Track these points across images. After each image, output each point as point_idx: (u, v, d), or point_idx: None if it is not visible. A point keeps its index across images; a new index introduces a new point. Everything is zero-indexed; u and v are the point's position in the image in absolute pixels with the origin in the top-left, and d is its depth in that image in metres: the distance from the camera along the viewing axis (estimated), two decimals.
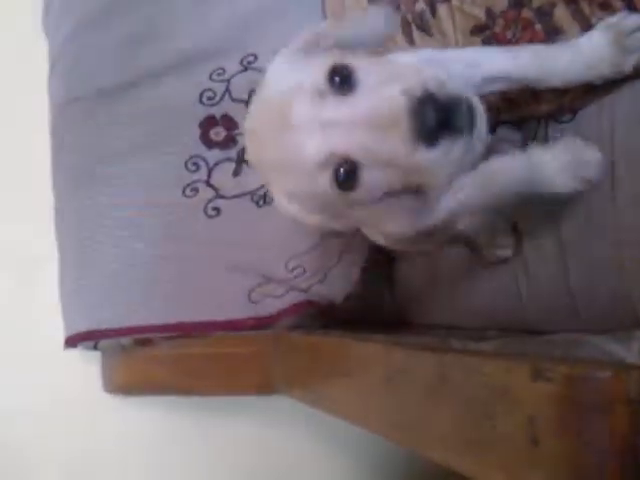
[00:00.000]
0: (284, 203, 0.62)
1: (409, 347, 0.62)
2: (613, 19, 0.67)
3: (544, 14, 0.72)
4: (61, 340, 1.11)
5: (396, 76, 0.53)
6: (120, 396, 1.17)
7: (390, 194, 0.60)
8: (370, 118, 0.52)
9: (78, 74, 1.13)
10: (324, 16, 1.14)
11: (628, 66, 0.67)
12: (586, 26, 0.70)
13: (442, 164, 0.53)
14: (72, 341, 1.09)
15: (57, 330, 1.12)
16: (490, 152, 0.87)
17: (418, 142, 0.51)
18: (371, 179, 0.55)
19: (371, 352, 0.68)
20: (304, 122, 0.54)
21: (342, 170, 0.55)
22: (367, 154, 0.54)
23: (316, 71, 0.55)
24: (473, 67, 0.68)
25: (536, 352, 0.58)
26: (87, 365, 1.19)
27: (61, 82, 1.15)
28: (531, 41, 0.74)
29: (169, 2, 1.14)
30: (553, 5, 0.71)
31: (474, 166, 0.61)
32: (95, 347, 1.09)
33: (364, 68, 0.55)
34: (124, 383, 1.13)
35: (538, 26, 0.73)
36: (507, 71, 0.69)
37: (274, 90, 0.58)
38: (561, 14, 0.71)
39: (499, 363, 0.50)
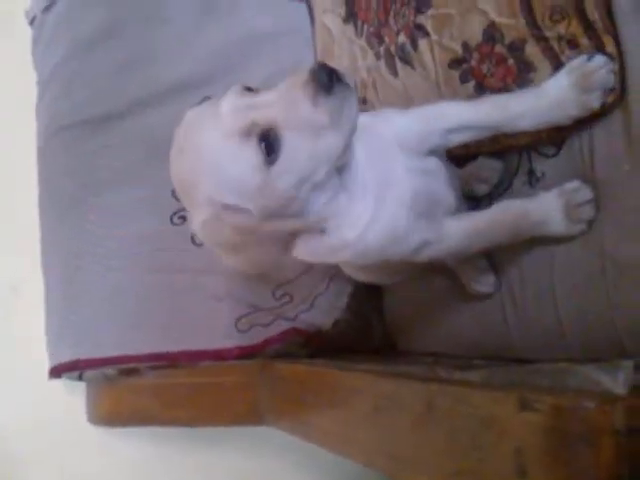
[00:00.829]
0: (207, 215, 0.65)
1: (396, 377, 0.62)
2: (576, 62, 0.70)
3: (515, 50, 0.74)
4: (45, 370, 1.09)
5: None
6: (105, 427, 1.15)
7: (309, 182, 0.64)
8: (281, 96, 0.62)
9: (66, 103, 1.13)
10: (314, 45, 1.16)
11: (595, 104, 0.70)
12: (556, 62, 0.72)
13: (341, 110, 0.62)
14: (56, 371, 1.08)
15: (41, 360, 1.10)
16: (472, 180, 0.88)
17: (318, 95, 0.61)
18: (292, 144, 0.62)
19: (358, 382, 0.68)
20: (225, 110, 0.62)
21: (265, 138, 0.61)
22: (282, 117, 0.61)
23: (229, 92, 0.65)
24: (434, 120, 0.76)
25: (523, 382, 0.58)
26: (71, 396, 1.17)
27: (49, 111, 1.16)
28: (504, 77, 0.76)
29: (156, 32, 1.15)
30: (524, 41, 0.73)
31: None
32: (80, 378, 1.07)
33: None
34: (109, 414, 1.11)
35: (511, 61, 0.75)
36: (470, 121, 0.75)
37: (198, 111, 0.67)
38: (531, 50, 0.73)
39: (486, 393, 0.50)
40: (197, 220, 0.66)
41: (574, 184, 0.74)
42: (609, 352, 0.73)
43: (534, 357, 0.84)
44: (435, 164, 0.77)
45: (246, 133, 0.61)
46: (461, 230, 0.76)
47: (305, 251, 0.71)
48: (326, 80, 0.61)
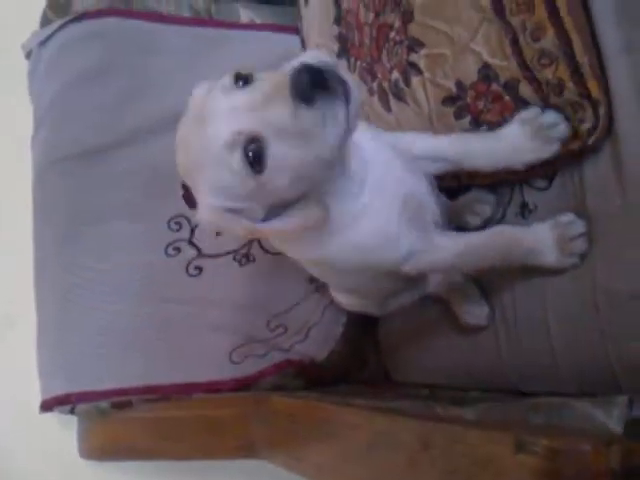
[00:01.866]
0: (211, 210, 0.66)
1: (391, 413, 0.62)
2: (530, 114, 0.74)
3: (510, 88, 0.76)
4: (37, 403, 1.08)
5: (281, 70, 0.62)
6: (97, 462, 1.13)
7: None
8: (265, 98, 0.60)
9: (61, 136, 1.13)
10: None
11: (548, 154, 0.74)
12: (546, 103, 0.74)
13: (324, 122, 0.60)
14: (48, 405, 1.06)
15: (33, 393, 1.09)
16: (465, 213, 0.89)
17: (297, 101, 0.58)
18: (277, 153, 0.61)
19: (353, 418, 0.67)
20: (213, 112, 0.62)
21: (250, 148, 0.61)
22: (266, 126, 0.60)
23: (223, 79, 0.64)
24: (405, 144, 0.79)
25: (519, 420, 0.58)
26: (63, 430, 1.15)
27: (44, 143, 1.16)
28: (502, 111, 0.78)
29: (150, 64, 1.16)
30: (517, 81, 0.75)
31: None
32: (72, 411, 1.06)
33: (264, 74, 0.64)
34: (101, 448, 1.09)
35: (507, 98, 0.76)
36: (435, 150, 0.79)
37: (193, 105, 0.66)
38: (525, 89, 0.75)
39: (482, 433, 0.50)
40: (200, 211, 0.67)
41: (568, 217, 0.75)
42: (603, 385, 0.73)
43: (529, 389, 0.84)
44: (420, 172, 0.79)
45: (231, 144, 0.61)
46: (453, 246, 0.77)
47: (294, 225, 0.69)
48: (308, 88, 0.58)
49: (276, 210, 0.67)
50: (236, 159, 0.62)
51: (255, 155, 0.61)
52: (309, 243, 0.75)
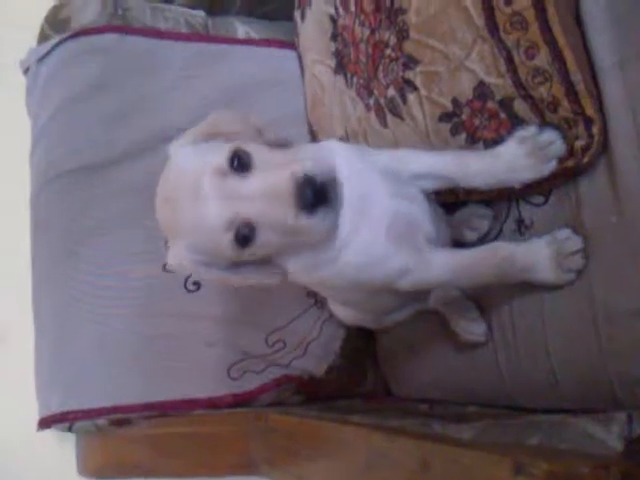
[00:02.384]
0: (183, 258, 0.71)
1: (390, 433, 0.61)
2: (527, 132, 0.74)
3: (506, 106, 0.76)
4: (34, 420, 1.08)
5: (285, 163, 0.67)
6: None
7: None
8: (265, 193, 0.66)
9: (59, 152, 1.14)
10: (304, 95, 1.18)
11: (545, 172, 0.73)
12: (542, 119, 0.74)
13: (319, 227, 0.67)
14: (45, 423, 1.06)
15: (30, 410, 1.09)
16: (462, 228, 0.90)
17: (301, 213, 0.65)
18: (264, 238, 0.68)
19: (351, 437, 0.67)
20: (210, 195, 0.66)
21: (242, 232, 0.67)
22: (263, 218, 0.66)
23: (220, 153, 0.68)
24: (402, 163, 0.80)
25: (517, 441, 0.58)
26: (61, 447, 1.15)
27: (42, 159, 1.16)
28: (498, 128, 0.78)
29: (147, 82, 1.17)
30: (512, 99, 0.75)
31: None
32: (70, 429, 1.05)
33: (260, 154, 0.68)
34: (100, 466, 1.09)
35: (503, 115, 0.76)
36: (432, 169, 0.79)
37: (183, 168, 0.70)
38: (520, 107, 0.75)
39: (480, 455, 0.49)
40: (172, 256, 0.72)
41: (564, 233, 0.75)
42: (603, 401, 0.73)
43: (527, 404, 0.84)
44: (416, 191, 0.79)
45: (226, 227, 0.66)
46: (446, 263, 0.77)
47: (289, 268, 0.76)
48: (311, 200, 0.64)
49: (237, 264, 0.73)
50: (227, 238, 0.67)
51: (245, 237, 0.67)
52: (301, 272, 0.78)
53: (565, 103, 0.70)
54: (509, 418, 0.74)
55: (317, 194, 0.65)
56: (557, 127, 0.72)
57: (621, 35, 0.71)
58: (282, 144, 0.74)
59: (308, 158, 0.67)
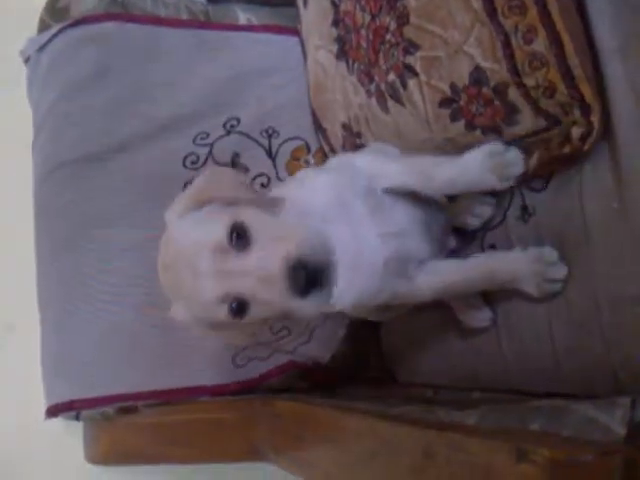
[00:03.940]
0: (185, 317, 0.74)
1: (394, 421, 0.62)
2: (496, 148, 0.73)
3: (500, 93, 0.75)
4: (42, 409, 1.09)
5: (280, 237, 0.68)
6: (103, 466, 1.14)
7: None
8: (258, 273, 0.67)
9: (60, 142, 1.14)
10: (306, 81, 1.17)
11: (502, 187, 0.74)
12: (536, 109, 0.74)
13: (310, 309, 0.69)
14: (52, 411, 1.07)
15: (38, 399, 1.10)
16: (465, 215, 0.89)
17: (293, 295, 0.66)
18: (257, 312, 0.70)
19: (356, 425, 0.68)
20: (207, 271, 0.67)
21: (234, 305, 0.69)
22: (254, 297, 0.68)
23: (217, 228, 0.68)
24: (374, 179, 0.80)
25: (520, 426, 0.58)
26: (69, 435, 1.16)
27: (44, 150, 1.16)
28: (493, 116, 0.78)
29: (148, 70, 1.16)
30: (507, 85, 0.74)
31: None
32: (77, 418, 1.06)
33: (257, 224, 0.69)
34: (107, 453, 1.10)
35: (497, 103, 0.76)
36: (399, 183, 0.80)
37: (181, 242, 0.71)
38: (514, 94, 0.75)
39: (483, 442, 0.50)
40: (176, 312, 0.75)
41: (551, 256, 0.76)
42: (605, 387, 0.73)
43: (531, 389, 0.84)
44: (407, 222, 0.81)
45: (221, 300, 0.68)
46: (432, 285, 0.81)
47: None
48: (303, 285, 0.65)
49: None
50: (222, 310, 0.69)
51: (238, 309, 0.69)
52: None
53: (562, 88, 0.70)
54: (512, 403, 0.74)
55: (310, 278, 0.66)
56: (549, 115, 0.72)
57: (623, 17, 0.70)
58: (272, 204, 0.75)
59: (300, 233, 0.68)
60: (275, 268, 0.65)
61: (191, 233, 0.70)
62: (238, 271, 0.67)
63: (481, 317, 0.88)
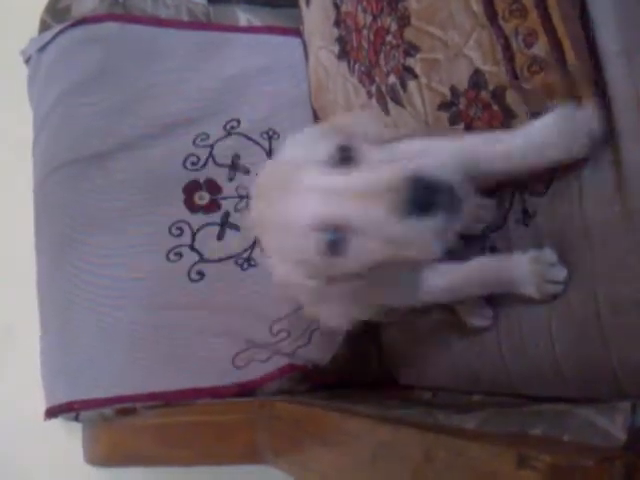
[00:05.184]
0: (276, 263, 0.65)
1: (394, 424, 0.62)
2: (563, 110, 0.70)
3: (498, 96, 0.75)
4: (41, 410, 1.08)
5: (393, 159, 0.59)
6: (102, 468, 1.14)
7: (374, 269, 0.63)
8: (368, 190, 0.57)
9: (61, 142, 1.14)
10: (307, 81, 1.17)
11: (579, 154, 0.70)
12: (532, 113, 0.73)
13: (424, 235, 0.58)
14: (52, 412, 1.07)
15: (38, 400, 1.10)
16: (466, 218, 0.89)
17: (407, 213, 0.56)
18: (359, 247, 0.59)
19: (356, 428, 0.67)
20: (308, 188, 0.59)
21: (336, 236, 0.59)
22: (360, 221, 0.58)
23: (324, 146, 0.61)
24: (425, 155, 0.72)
25: (521, 431, 0.58)
26: (69, 436, 1.16)
27: (45, 150, 1.16)
28: (490, 120, 0.77)
29: (150, 71, 1.16)
30: (504, 89, 0.74)
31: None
32: (76, 419, 1.06)
33: (366, 150, 0.61)
34: (106, 454, 1.10)
35: (495, 107, 0.76)
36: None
37: (287, 157, 0.64)
38: (511, 99, 0.74)
39: (484, 446, 0.50)
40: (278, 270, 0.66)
41: (551, 257, 0.75)
42: (606, 390, 0.73)
43: (532, 393, 0.84)
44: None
45: (317, 227, 0.59)
46: (432, 287, 0.78)
47: None
48: (420, 204, 0.56)
49: None
50: (317, 241, 0.59)
51: (337, 243, 0.59)
52: None
53: (562, 90, 0.69)
54: (513, 407, 0.74)
55: (429, 196, 0.56)
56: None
57: (627, 20, 0.70)
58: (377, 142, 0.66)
59: (415, 155, 0.60)
60: (388, 180, 0.56)
61: (297, 150, 0.64)
62: (342, 191, 0.58)
63: (482, 314, 0.87)
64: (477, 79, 0.76)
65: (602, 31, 0.70)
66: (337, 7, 1.00)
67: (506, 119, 0.76)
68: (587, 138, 0.69)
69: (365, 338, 1.17)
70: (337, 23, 1.01)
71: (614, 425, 0.62)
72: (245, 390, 1.06)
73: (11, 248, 1.25)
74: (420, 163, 0.58)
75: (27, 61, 1.24)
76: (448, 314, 0.94)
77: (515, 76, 0.72)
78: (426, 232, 0.57)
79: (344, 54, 1.00)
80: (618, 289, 0.69)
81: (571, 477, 0.42)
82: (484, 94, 0.76)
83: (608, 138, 0.69)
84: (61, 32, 1.18)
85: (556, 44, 0.69)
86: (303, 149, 0.63)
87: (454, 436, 0.54)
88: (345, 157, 0.60)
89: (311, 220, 0.59)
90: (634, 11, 0.70)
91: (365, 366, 1.18)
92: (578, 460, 0.42)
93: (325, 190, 0.59)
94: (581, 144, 0.69)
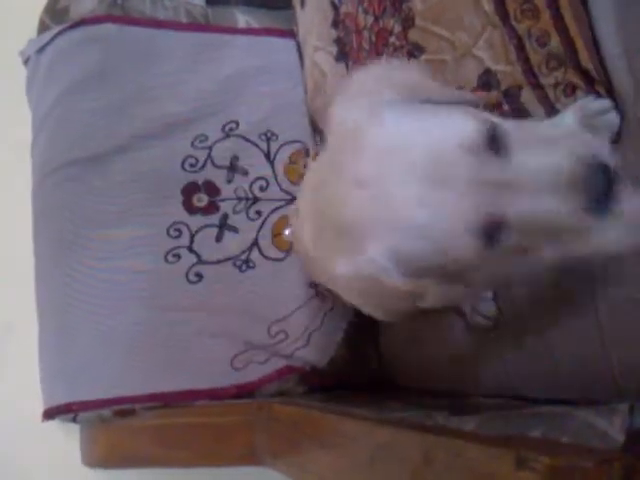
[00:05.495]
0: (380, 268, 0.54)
1: (393, 426, 0.62)
2: (582, 102, 0.69)
3: (511, 96, 0.75)
4: (39, 411, 1.08)
5: (554, 141, 0.50)
6: (100, 469, 1.14)
7: None
8: (538, 181, 0.48)
9: (60, 143, 1.14)
10: (304, 83, 1.17)
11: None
12: (550, 110, 0.72)
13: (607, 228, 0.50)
14: (50, 413, 1.06)
15: (35, 401, 1.09)
16: None
17: (591, 209, 0.48)
18: (510, 242, 0.51)
19: (354, 429, 0.67)
20: (458, 180, 0.48)
21: (491, 231, 0.50)
22: (525, 218, 0.49)
23: (465, 123, 0.50)
24: None
25: (520, 431, 0.58)
26: (66, 437, 1.16)
27: (43, 151, 1.16)
28: None
29: (148, 72, 1.16)
30: (520, 88, 0.74)
31: None
32: (74, 420, 1.06)
33: (514, 131, 0.51)
34: (104, 456, 1.09)
35: (506, 107, 0.75)
36: None
37: (403, 141, 0.51)
38: (527, 96, 0.74)
39: (483, 448, 0.49)
40: (345, 267, 0.56)
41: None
42: (605, 392, 0.73)
43: (531, 395, 0.84)
44: None
45: (475, 223, 0.49)
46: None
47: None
48: (604, 192, 0.48)
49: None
50: (474, 241, 0.49)
51: (489, 239, 0.50)
52: None
53: (582, 86, 0.69)
54: (512, 409, 0.74)
55: (609, 185, 0.48)
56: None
57: (628, 22, 0.70)
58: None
59: (579, 137, 0.51)
60: (564, 168, 0.47)
61: (409, 131, 0.51)
62: (502, 183, 0.48)
63: (488, 309, 0.87)
64: (488, 78, 0.75)
65: (602, 32, 0.70)
66: (336, 8, 1.00)
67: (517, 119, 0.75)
68: (605, 130, 0.65)
69: (364, 339, 1.17)
70: (335, 24, 1.01)
71: (612, 427, 0.62)
72: (243, 392, 1.06)
73: (11, 248, 1.25)
74: (595, 146, 0.50)
75: (26, 62, 1.24)
76: (448, 316, 0.94)
77: (532, 74, 0.71)
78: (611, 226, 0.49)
79: (343, 55, 1.00)
80: (615, 289, 0.70)
81: (570, 478, 0.42)
82: (495, 93, 0.75)
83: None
84: (60, 33, 1.18)
85: (569, 43, 0.68)
86: (418, 128, 0.51)
87: (453, 437, 0.54)
88: (493, 141, 0.50)
89: (466, 217, 0.49)
90: (635, 11, 0.70)
91: (364, 368, 1.18)
92: (577, 461, 0.42)
93: (483, 183, 0.48)
94: (600, 137, 0.63)
